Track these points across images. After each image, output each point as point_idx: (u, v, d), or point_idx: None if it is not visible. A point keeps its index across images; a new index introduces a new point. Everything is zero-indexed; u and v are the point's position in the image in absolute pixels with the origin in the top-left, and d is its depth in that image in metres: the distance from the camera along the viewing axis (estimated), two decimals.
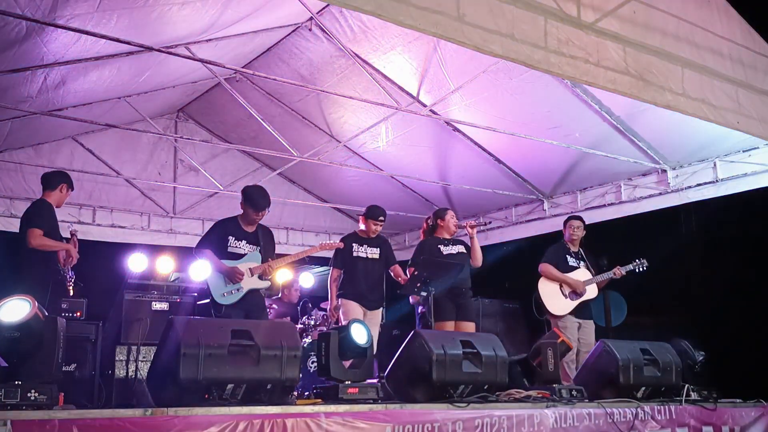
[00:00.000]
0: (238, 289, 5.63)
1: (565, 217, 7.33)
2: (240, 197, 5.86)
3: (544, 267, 6.71)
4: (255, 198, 5.74)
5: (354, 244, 6.46)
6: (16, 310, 3.50)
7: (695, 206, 7.38)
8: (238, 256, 5.75)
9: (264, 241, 5.91)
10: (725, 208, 7.32)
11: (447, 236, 6.58)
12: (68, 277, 5.48)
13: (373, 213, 6.51)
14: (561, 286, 6.66)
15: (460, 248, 6.52)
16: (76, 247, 5.76)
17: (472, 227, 6.45)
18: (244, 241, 5.79)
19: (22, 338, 3.47)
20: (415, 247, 6.86)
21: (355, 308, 6.29)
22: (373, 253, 6.49)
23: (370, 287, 6.41)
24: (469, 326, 6.31)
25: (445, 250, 6.46)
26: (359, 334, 4.41)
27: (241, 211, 5.87)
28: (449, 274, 6.17)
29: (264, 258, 5.83)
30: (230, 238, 5.75)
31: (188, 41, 6.29)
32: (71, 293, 5.59)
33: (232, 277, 5.60)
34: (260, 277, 5.78)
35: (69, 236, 5.81)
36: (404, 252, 10.34)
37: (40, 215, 5.49)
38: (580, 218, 7.06)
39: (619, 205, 7.94)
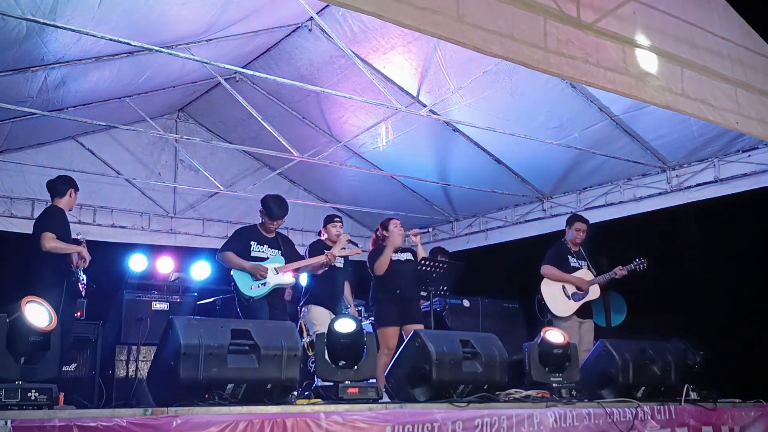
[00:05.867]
0: (264, 284, 5.82)
1: (567, 216, 7.27)
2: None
3: (548, 269, 6.70)
4: (271, 207, 6.03)
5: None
6: (40, 315, 3.56)
7: (695, 206, 7.37)
8: (262, 260, 5.95)
9: (284, 245, 6.16)
10: (725, 208, 7.32)
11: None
12: (81, 279, 5.50)
13: (329, 218, 6.82)
14: (564, 287, 6.64)
15: (408, 255, 6.55)
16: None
17: (416, 235, 6.58)
18: (266, 246, 6.04)
19: (42, 343, 3.55)
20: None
21: (324, 313, 6.39)
22: (340, 261, 6.61)
23: (338, 295, 6.61)
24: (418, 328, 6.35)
25: (394, 256, 6.43)
26: (344, 325, 4.43)
27: (260, 220, 6.13)
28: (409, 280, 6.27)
29: (287, 260, 6.02)
30: (253, 243, 5.99)
31: (188, 41, 6.28)
32: (83, 294, 5.63)
33: (255, 272, 5.80)
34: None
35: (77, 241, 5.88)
36: None
37: (52, 220, 5.55)
38: (586, 220, 6.95)
39: (619, 205, 7.93)
